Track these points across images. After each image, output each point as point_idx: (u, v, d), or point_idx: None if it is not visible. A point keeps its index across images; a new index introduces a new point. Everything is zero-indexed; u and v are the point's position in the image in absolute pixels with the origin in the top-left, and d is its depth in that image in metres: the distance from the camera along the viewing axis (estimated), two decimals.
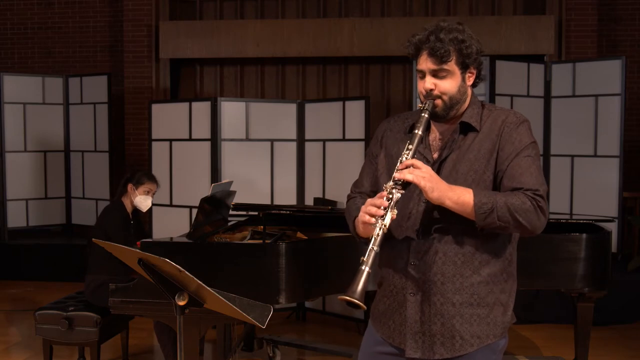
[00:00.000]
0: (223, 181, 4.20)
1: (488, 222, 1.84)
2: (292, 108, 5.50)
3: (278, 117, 5.47)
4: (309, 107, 5.49)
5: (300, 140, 5.49)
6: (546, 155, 6.01)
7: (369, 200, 1.88)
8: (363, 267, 1.76)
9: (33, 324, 3.84)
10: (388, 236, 1.95)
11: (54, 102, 7.40)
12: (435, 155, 2.00)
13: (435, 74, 1.95)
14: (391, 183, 1.84)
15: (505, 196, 1.85)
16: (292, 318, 5.37)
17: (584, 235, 3.49)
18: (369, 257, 1.77)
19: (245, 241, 3.67)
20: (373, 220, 1.82)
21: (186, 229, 4.66)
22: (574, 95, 5.91)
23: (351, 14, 7.70)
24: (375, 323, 2.11)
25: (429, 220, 1.94)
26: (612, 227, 4.61)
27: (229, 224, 3.93)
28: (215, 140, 5.27)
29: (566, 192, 5.98)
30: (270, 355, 4.26)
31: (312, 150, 5.44)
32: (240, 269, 3.17)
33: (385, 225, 1.80)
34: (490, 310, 1.95)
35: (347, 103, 5.24)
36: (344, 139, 5.22)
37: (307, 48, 7.40)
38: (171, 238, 3.55)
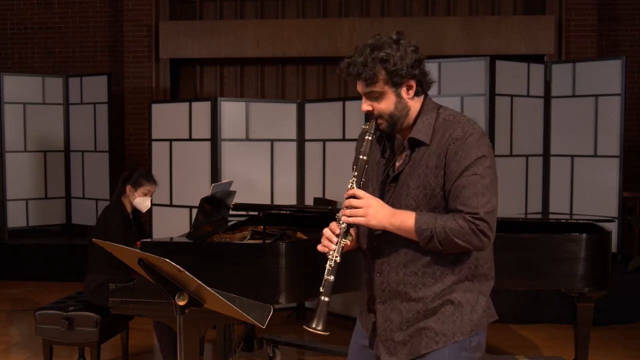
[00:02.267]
0: (223, 181, 4.20)
1: (431, 246, 1.89)
2: (292, 108, 5.50)
3: (278, 117, 5.47)
4: (309, 107, 5.48)
5: (300, 140, 5.49)
6: (546, 155, 6.00)
7: (325, 230, 1.98)
8: (322, 298, 1.89)
9: (33, 324, 3.84)
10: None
11: (54, 102, 7.40)
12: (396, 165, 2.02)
13: (368, 96, 1.96)
14: (340, 213, 1.96)
15: (445, 220, 1.86)
16: (292, 318, 5.37)
17: (584, 235, 3.49)
18: (325, 288, 1.90)
19: (245, 241, 3.67)
20: (326, 250, 1.94)
21: (186, 229, 4.66)
22: (574, 95, 5.89)
23: (351, 14, 7.70)
24: (361, 318, 2.18)
25: (389, 235, 1.96)
26: (612, 227, 4.60)
27: (229, 224, 3.93)
28: (215, 140, 5.27)
29: (566, 192, 5.97)
30: (270, 355, 4.26)
31: (312, 150, 5.44)
32: (240, 269, 3.17)
33: (337, 256, 1.91)
34: (454, 309, 1.95)
35: (347, 103, 5.23)
36: (344, 139, 5.22)
37: (307, 48, 7.40)
38: (171, 238, 3.56)
